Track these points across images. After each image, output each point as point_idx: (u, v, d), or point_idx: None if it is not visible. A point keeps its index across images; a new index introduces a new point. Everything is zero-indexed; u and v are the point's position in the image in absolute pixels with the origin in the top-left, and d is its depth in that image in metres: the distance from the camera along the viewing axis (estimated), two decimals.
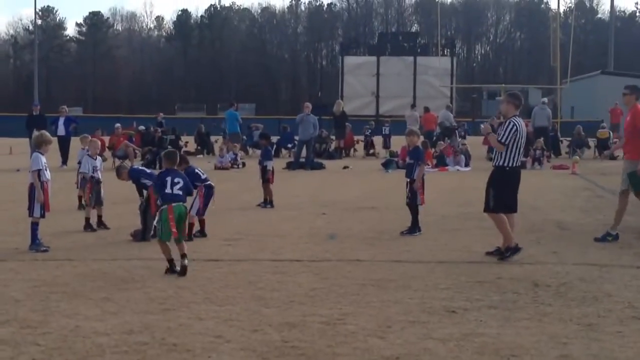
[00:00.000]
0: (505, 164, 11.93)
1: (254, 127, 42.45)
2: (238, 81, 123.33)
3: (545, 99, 43.62)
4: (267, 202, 18.37)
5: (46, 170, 12.87)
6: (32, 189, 12.78)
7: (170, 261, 10.79)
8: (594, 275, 10.59)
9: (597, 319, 8.30)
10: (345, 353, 7.11)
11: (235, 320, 8.23)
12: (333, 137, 40.17)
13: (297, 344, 7.39)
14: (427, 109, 40.72)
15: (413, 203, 14.55)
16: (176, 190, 10.92)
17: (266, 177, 18.51)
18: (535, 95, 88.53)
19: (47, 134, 13.52)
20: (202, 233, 14.02)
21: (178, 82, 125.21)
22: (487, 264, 11.48)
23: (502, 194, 11.99)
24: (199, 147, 41.54)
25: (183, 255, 10.68)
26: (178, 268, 10.68)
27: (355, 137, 41.68)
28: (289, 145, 39.15)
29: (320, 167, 31.51)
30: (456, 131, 38.06)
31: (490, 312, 8.59)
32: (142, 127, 38.34)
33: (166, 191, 10.91)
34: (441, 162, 31.52)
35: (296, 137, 34.50)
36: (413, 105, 43.75)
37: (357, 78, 78.50)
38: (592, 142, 38.68)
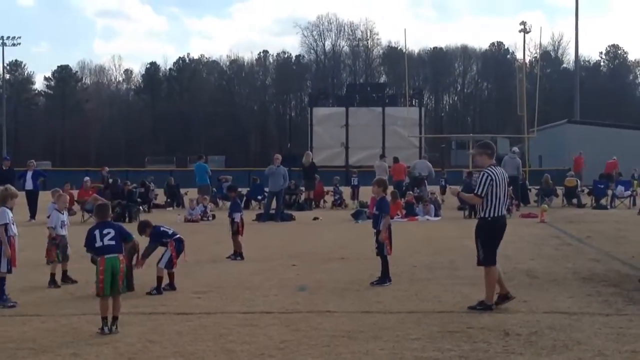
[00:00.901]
0: (487, 215, 11.77)
1: (223, 179, 42.44)
2: (207, 133, 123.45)
3: (516, 148, 44.02)
4: (237, 255, 18.32)
5: (13, 224, 12.75)
6: None
7: (104, 319, 10.37)
8: (564, 323, 10.61)
9: None
10: None
11: None
12: (302, 189, 40.17)
13: None
14: (396, 160, 40.84)
15: (381, 254, 14.57)
16: (107, 241, 10.59)
17: (235, 229, 18.49)
18: (504, 145, 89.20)
19: (12, 188, 13.40)
20: (171, 286, 13.94)
21: (147, 134, 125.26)
22: (458, 313, 11.48)
23: (488, 244, 11.81)
24: (168, 200, 41.42)
25: (114, 318, 10.38)
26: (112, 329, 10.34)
27: (325, 188, 41.69)
28: (259, 197, 39.11)
29: (290, 218, 31.48)
30: (425, 181, 38.15)
31: None
32: (110, 180, 38.20)
33: (96, 245, 10.60)
34: (411, 212, 31.60)
35: (266, 189, 34.47)
36: (382, 156, 43.87)
37: (326, 129, 78.82)
38: (560, 190, 38.94)
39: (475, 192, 11.85)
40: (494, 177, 11.70)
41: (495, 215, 11.70)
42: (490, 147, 12.39)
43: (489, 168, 11.93)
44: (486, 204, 11.72)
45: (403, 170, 39.71)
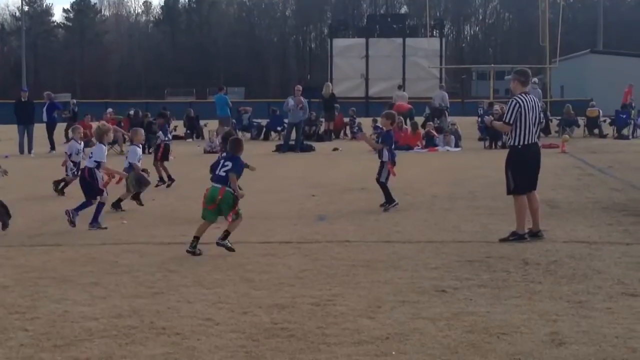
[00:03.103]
0: (516, 143, 11.65)
1: (242, 110, 42.35)
2: (227, 65, 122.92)
3: (536, 79, 43.58)
4: (160, 180, 18.98)
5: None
6: (92, 173, 13.57)
7: (196, 238, 11.00)
8: (584, 252, 10.58)
9: (587, 296, 8.30)
10: (335, 334, 7.09)
11: (224, 303, 8.20)
12: (322, 120, 40.05)
13: (286, 325, 7.37)
14: (391, 105, 40.76)
15: (379, 181, 15.24)
16: (222, 172, 11.13)
17: (157, 155, 19.24)
18: None
19: (107, 124, 14.89)
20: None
21: (167, 66, 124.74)
22: (477, 243, 11.46)
23: (519, 173, 11.71)
24: (188, 131, 41.42)
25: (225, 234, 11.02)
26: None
27: (345, 119, 41.56)
28: (279, 129, 39.06)
29: (310, 149, 31.46)
30: (446, 112, 37.96)
31: (480, 291, 8.58)
32: (130, 112, 38.21)
33: (216, 172, 11.25)
34: (430, 143, 31.50)
35: (285, 120, 34.39)
36: (400, 86, 43.64)
37: (346, 60, 78.22)
38: (581, 120, 38.64)
39: (504, 119, 11.79)
40: (522, 104, 11.50)
41: (526, 142, 11.57)
42: (524, 74, 12.13)
43: (519, 95, 11.72)
44: (515, 132, 11.57)
45: (404, 103, 39.36)
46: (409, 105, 38.26)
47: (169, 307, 8.05)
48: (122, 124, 34.41)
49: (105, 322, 7.55)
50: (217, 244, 10.95)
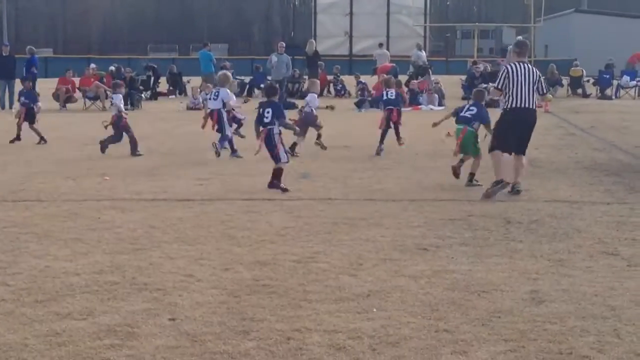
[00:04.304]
0: (505, 106, 12.21)
1: (224, 66, 42.14)
2: (210, 22, 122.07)
3: (520, 38, 43.52)
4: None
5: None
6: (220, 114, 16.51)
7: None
8: (565, 211, 10.63)
9: (567, 255, 8.35)
10: (317, 291, 7.12)
11: (206, 259, 8.21)
12: (306, 77, 39.88)
13: (268, 282, 7.39)
14: (375, 70, 40.72)
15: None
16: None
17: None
18: (510, 34, 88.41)
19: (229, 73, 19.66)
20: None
21: (149, 22, 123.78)
22: (459, 201, 11.49)
23: (500, 133, 12.20)
24: (171, 88, 41.17)
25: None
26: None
27: (328, 77, 41.41)
28: (262, 86, 38.87)
29: (293, 107, 31.34)
30: (429, 70, 37.86)
31: (462, 249, 8.62)
32: (112, 68, 37.94)
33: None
34: (414, 101, 31.42)
35: (269, 77, 34.23)
36: (381, 44, 43.50)
37: (330, 17, 77.64)
38: (565, 80, 38.64)
39: (494, 85, 12.69)
40: (510, 72, 11.99)
41: (513, 106, 11.98)
42: (519, 45, 13.12)
43: (510, 64, 12.39)
44: (505, 96, 12.18)
45: (387, 64, 39.22)
46: (392, 64, 38.10)
47: (151, 263, 8.05)
48: (105, 80, 34.17)
49: (87, 277, 7.54)
50: (466, 185, 12.82)
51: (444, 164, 15.20)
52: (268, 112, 12.43)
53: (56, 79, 34.04)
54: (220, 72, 20.95)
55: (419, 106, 30.97)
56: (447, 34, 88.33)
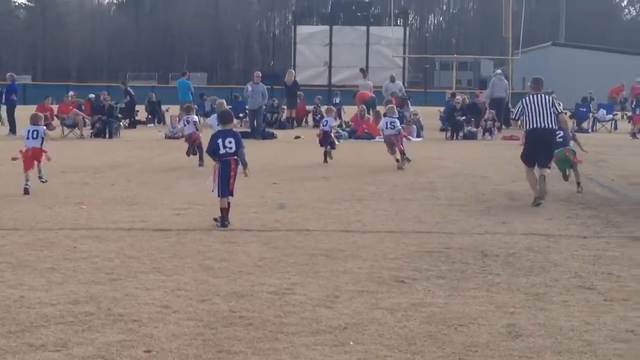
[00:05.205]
0: (525, 128, 15.00)
1: (207, 98, 42.15)
2: (190, 50, 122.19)
3: (499, 70, 43.83)
4: None
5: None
6: None
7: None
8: (542, 245, 10.66)
9: (544, 289, 8.36)
10: (294, 323, 7.09)
11: (182, 290, 8.17)
12: (284, 107, 40.00)
13: (245, 313, 7.36)
14: (355, 94, 40.96)
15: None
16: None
17: None
18: (488, 66, 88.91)
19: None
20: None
21: (129, 50, 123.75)
22: (437, 233, 11.50)
23: (525, 149, 14.96)
24: (149, 116, 41.17)
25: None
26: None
27: (307, 107, 41.53)
28: (240, 115, 38.94)
29: (272, 136, 31.41)
30: (408, 101, 38.02)
31: (439, 282, 8.61)
32: (91, 96, 37.91)
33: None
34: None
35: (247, 107, 34.30)
36: (362, 70, 43.67)
37: (309, 47, 78.04)
38: None
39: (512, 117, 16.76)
40: (524, 104, 14.75)
41: (529, 127, 14.72)
42: (534, 81, 15.44)
43: (525, 97, 15.03)
44: (524, 121, 14.87)
45: (368, 92, 39.38)
46: (372, 94, 38.21)
47: (127, 294, 8.00)
48: (83, 108, 34.15)
49: (62, 308, 7.49)
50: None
51: (422, 196, 15.28)
52: (230, 142, 12.01)
53: (35, 106, 33.93)
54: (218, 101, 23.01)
55: None
56: (426, 65, 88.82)
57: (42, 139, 15.89)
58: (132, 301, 7.75)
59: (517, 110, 15.05)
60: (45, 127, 16.34)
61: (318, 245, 10.54)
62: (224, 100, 22.92)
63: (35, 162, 15.74)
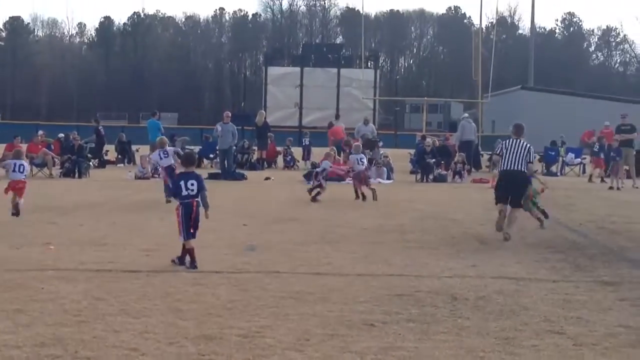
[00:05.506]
0: (500, 169, 16.20)
1: (180, 140, 42.11)
2: (160, 90, 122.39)
3: (466, 114, 44.22)
4: None
5: None
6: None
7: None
8: (512, 288, 10.67)
9: (514, 333, 8.36)
10: None
11: (151, 333, 8.10)
12: (255, 148, 40.06)
13: (213, 357, 7.30)
14: (330, 125, 41.22)
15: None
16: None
17: None
18: (458, 109, 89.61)
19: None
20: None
21: (99, 89, 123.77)
22: (406, 277, 11.49)
23: (497, 188, 16.28)
24: (119, 156, 41.07)
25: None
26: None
27: (278, 148, 41.60)
28: (211, 156, 38.95)
29: (242, 177, 31.39)
30: (378, 143, 38.18)
31: (409, 326, 8.59)
32: (61, 135, 37.80)
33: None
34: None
35: (217, 147, 34.31)
36: (337, 116, 43.90)
37: (280, 89, 78.35)
38: None
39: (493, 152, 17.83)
40: (504, 144, 15.97)
41: (503, 168, 15.90)
42: (515, 126, 16.36)
43: (505, 140, 16.30)
44: (500, 162, 16.04)
45: (341, 130, 39.61)
46: (344, 135, 38.39)
47: (95, 337, 7.92)
48: (52, 147, 34.02)
49: (28, 350, 7.39)
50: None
51: (391, 239, 15.29)
52: (193, 185, 11.98)
53: (3, 145, 33.81)
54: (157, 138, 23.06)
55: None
56: (397, 108, 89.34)
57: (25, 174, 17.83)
58: (100, 344, 7.67)
59: (498, 149, 16.28)
60: (27, 164, 18.34)
61: (287, 288, 10.50)
62: (164, 137, 22.96)
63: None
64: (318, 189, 22.65)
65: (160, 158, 20.83)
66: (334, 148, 32.44)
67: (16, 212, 17.23)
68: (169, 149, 21.03)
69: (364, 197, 22.82)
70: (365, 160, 24.19)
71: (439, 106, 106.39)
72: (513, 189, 15.78)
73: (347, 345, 7.76)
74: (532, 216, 17.34)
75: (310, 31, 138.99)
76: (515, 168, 15.69)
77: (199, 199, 12.06)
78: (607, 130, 37.61)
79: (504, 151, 15.87)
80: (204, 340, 7.86)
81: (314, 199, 22.25)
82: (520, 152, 15.74)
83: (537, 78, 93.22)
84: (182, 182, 12.02)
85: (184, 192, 11.96)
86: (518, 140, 15.97)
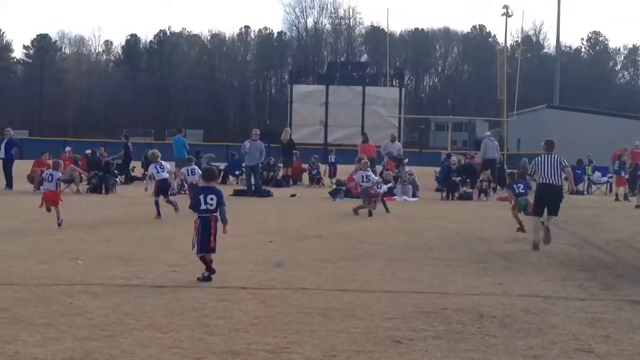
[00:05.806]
0: (537, 182, 17.38)
1: (207, 156, 42.22)
2: (186, 107, 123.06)
3: (488, 132, 44.12)
4: None
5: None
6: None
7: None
8: (539, 307, 10.63)
9: (542, 351, 8.32)
10: None
11: (178, 348, 8.13)
12: (280, 165, 40.15)
13: None
14: (365, 140, 40.98)
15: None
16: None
17: None
18: (483, 128, 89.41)
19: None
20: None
21: (126, 106, 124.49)
22: (433, 294, 11.48)
23: (535, 200, 17.28)
24: (145, 172, 41.16)
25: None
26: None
27: (303, 166, 41.68)
28: (237, 172, 39.06)
29: (268, 194, 31.45)
30: (403, 161, 38.14)
31: (436, 343, 8.58)
32: (88, 151, 38.03)
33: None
34: (388, 192, 31.54)
35: (244, 164, 34.40)
36: (363, 134, 43.86)
37: (305, 106, 78.54)
38: None
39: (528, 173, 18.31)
40: (536, 161, 17.10)
41: (540, 182, 17.04)
42: (547, 142, 17.52)
43: (539, 156, 17.22)
44: (537, 176, 17.19)
45: (372, 148, 39.58)
46: (374, 153, 38.40)
47: (122, 351, 7.96)
48: (80, 163, 34.23)
49: None
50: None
51: (418, 256, 15.26)
52: (212, 199, 12.17)
53: (31, 161, 34.05)
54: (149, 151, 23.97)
55: (394, 197, 31.08)
56: (422, 126, 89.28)
57: (57, 183, 18.81)
58: (128, 358, 7.71)
59: (532, 167, 17.46)
60: (60, 174, 19.23)
61: (314, 304, 10.51)
62: (156, 150, 23.25)
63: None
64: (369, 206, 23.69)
65: (157, 172, 22.05)
66: (364, 156, 32.38)
67: (59, 221, 18.21)
68: (165, 163, 22.45)
69: (370, 214, 23.27)
70: (372, 177, 24.81)
71: (463, 124, 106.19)
72: (550, 201, 16.97)
73: None
74: (513, 215, 19.48)
75: (335, 49, 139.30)
76: (550, 182, 16.83)
77: (217, 214, 12.15)
78: (637, 150, 37.50)
79: (539, 166, 17.03)
80: (231, 355, 7.88)
81: (357, 212, 23.40)
82: (554, 166, 16.87)
83: (562, 96, 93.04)
84: (201, 197, 12.21)
85: (202, 207, 12.16)
86: (550, 155, 17.13)
